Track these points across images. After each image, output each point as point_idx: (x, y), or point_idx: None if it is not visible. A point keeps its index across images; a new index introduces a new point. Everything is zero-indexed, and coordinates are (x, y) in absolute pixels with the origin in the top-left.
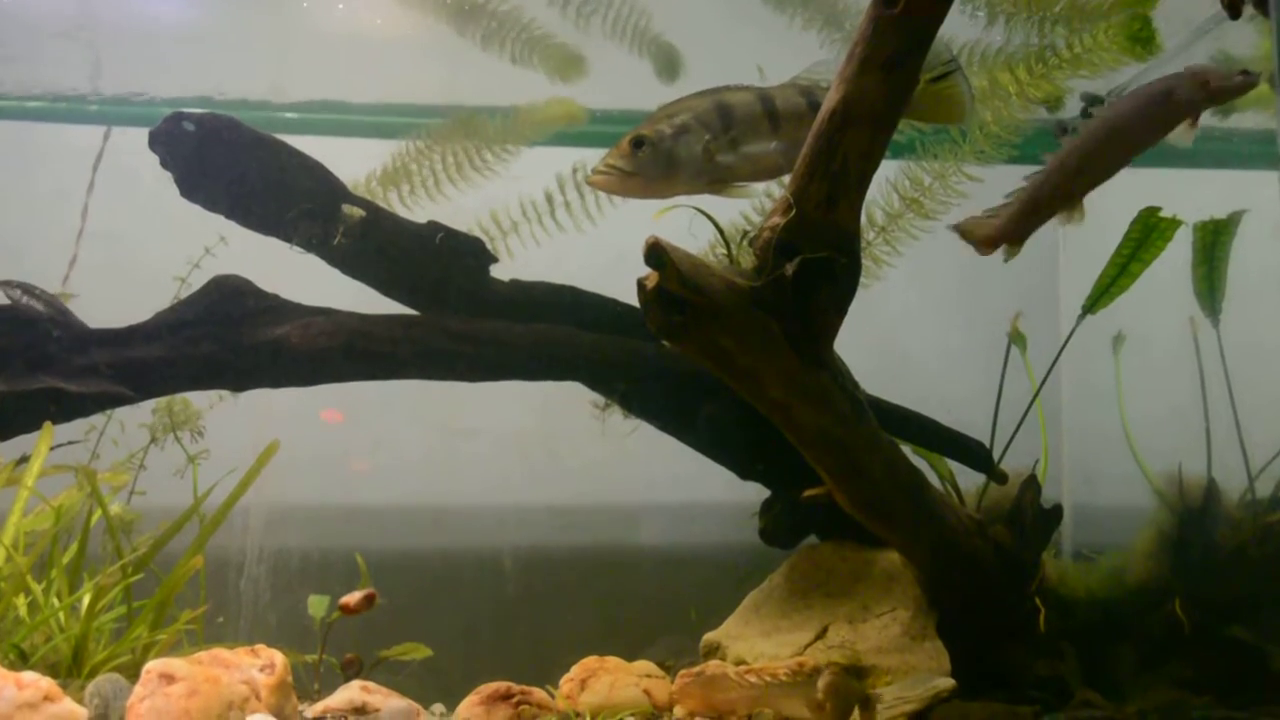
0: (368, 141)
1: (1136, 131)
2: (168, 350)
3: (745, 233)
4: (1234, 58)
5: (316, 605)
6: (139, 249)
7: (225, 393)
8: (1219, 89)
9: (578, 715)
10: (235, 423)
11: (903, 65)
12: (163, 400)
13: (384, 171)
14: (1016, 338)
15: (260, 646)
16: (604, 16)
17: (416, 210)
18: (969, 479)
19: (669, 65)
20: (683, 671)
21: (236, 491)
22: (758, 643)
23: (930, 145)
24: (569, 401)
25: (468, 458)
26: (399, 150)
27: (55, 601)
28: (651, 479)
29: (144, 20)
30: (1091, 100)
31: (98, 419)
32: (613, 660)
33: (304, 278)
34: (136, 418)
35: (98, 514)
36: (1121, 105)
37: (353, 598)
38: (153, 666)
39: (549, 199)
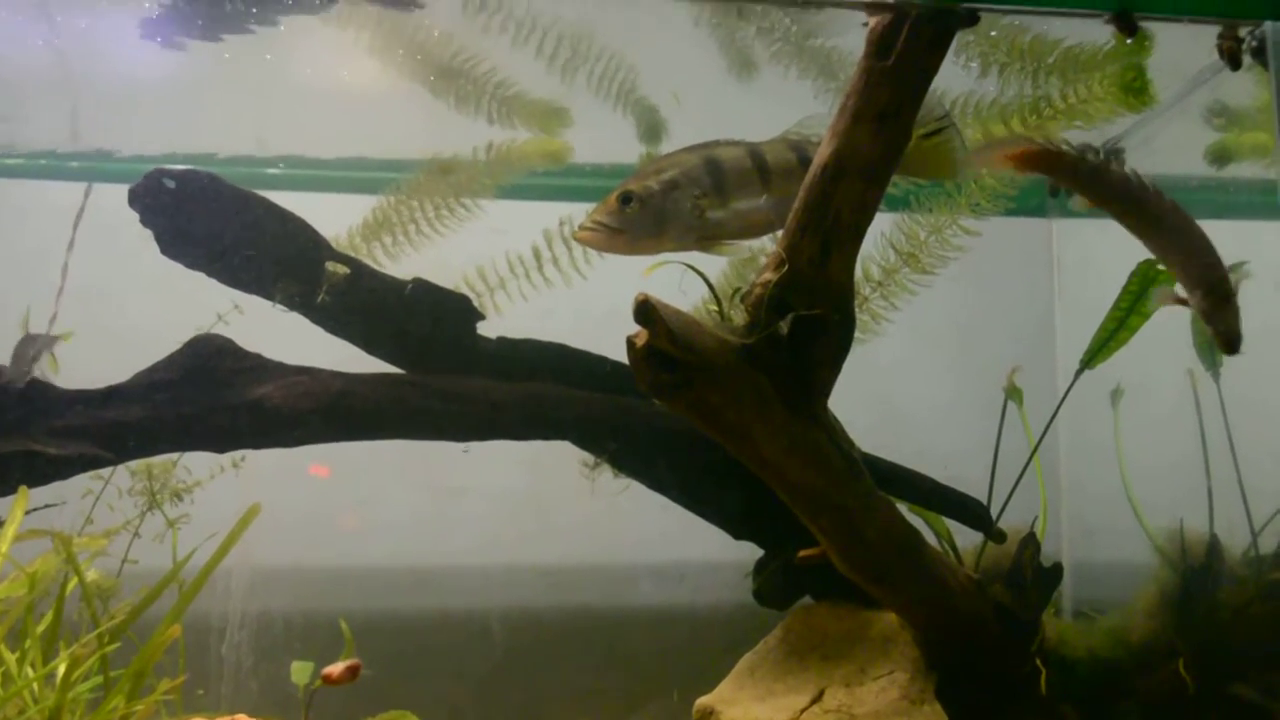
0: (351, 197)
1: None
2: (147, 411)
3: (737, 289)
4: (1231, 109)
5: (300, 672)
6: (121, 307)
7: (228, 461)
8: None
9: None
10: (219, 484)
11: (896, 117)
12: (142, 463)
13: (365, 225)
14: (1013, 392)
15: (241, 716)
16: (589, 72)
17: (400, 265)
18: (967, 537)
19: (651, 130)
20: None
21: (216, 556)
22: (753, 707)
23: (925, 199)
24: (558, 460)
25: (455, 517)
26: (379, 203)
27: (30, 671)
28: (642, 539)
29: (125, 76)
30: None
31: (94, 483)
32: None
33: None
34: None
35: (74, 581)
36: None
37: (335, 669)
38: None
39: (536, 254)
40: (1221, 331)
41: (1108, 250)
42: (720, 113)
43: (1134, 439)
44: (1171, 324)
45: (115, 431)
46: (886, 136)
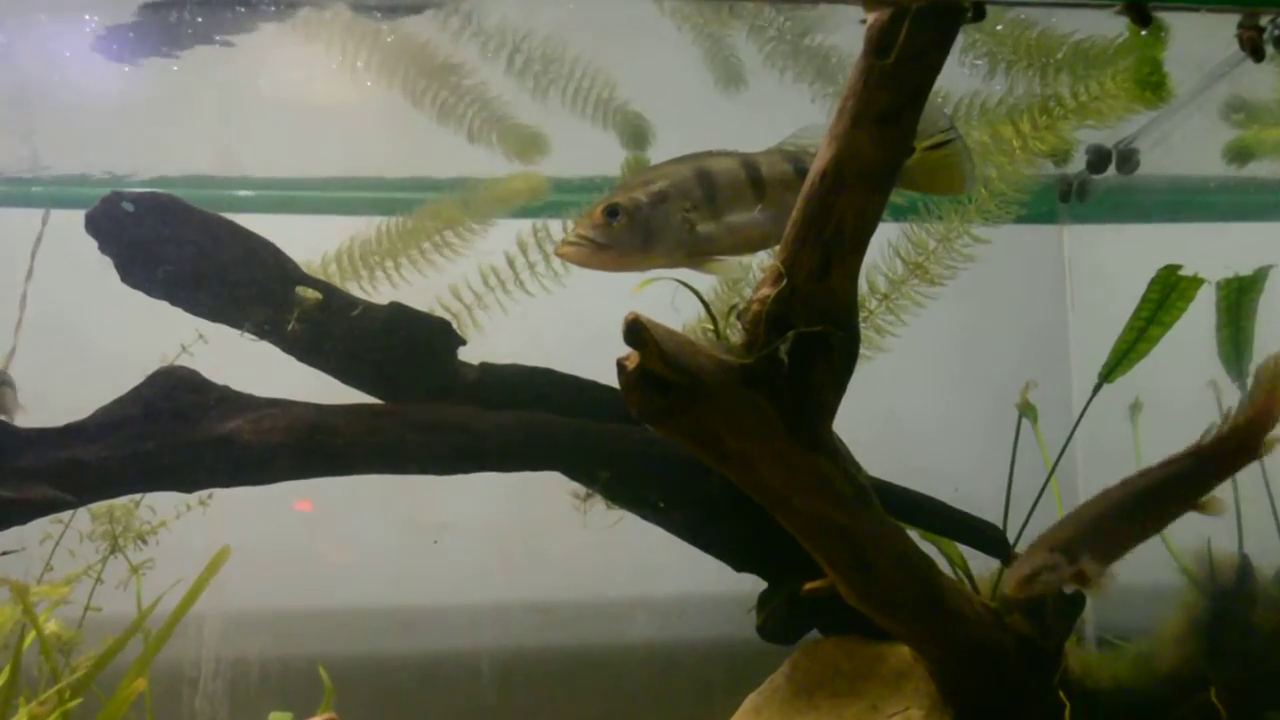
0: (323, 218)
1: None
2: (109, 450)
3: (733, 306)
4: (1251, 103)
5: None
6: (84, 339)
7: (194, 499)
8: None
9: None
10: (187, 524)
11: (898, 119)
12: (103, 504)
13: (340, 251)
14: (1026, 409)
15: None
16: (563, 88)
17: (376, 289)
18: (982, 563)
19: (637, 136)
20: None
21: (184, 602)
22: None
23: (934, 206)
24: (548, 491)
25: (440, 554)
26: (357, 232)
27: None
28: (639, 572)
29: (84, 96)
30: (1097, 154)
31: (55, 526)
32: None
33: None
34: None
35: (33, 634)
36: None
37: None
38: None
39: (511, 264)
40: None
41: (1123, 257)
42: (710, 123)
43: (1155, 454)
44: (1192, 333)
45: (74, 472)
46: (888, 140)
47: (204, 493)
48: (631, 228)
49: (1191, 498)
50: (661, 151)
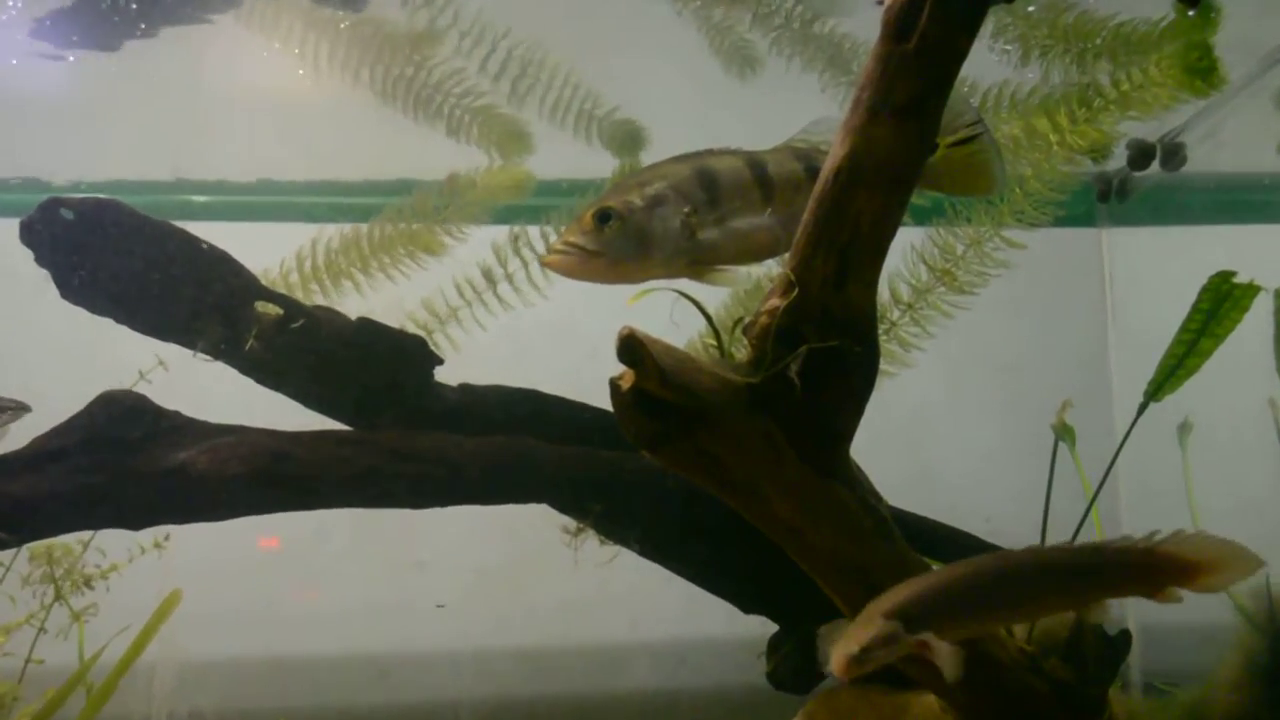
0: (284, 226)
1: None
2: (49, 483)
3: (739, 319)
4: None
5: None
6: (16, 360)
7: (148, 540)
8: None
9: None
10: (137, 565)
11: (920, 111)
12: (42, 545)
13: (300, 258)
14: (1064, 431)
15: None
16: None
17: (344, 304)
18: None
19: (630, 141)
20: None
21: (130, 652)
22: None
23: (961, 208)
24: (535, 526)
25: (417, 596)
26: (317, 236)
27: None
28: (636, 615)
29: (21, 96)
30: (1140, 150)
31: None
32: None
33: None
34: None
35: None
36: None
37: None
38: None
39: (487, 275)
40: None
41: (1168, 263)
42: (710, 120)
43: (1206, 480)
44: (1247, 346)
45: (11, 508)
46: (910, 135)
47: (160, 533)
48: (625, 234)
49: (1071, 601)
50: (656, 153)
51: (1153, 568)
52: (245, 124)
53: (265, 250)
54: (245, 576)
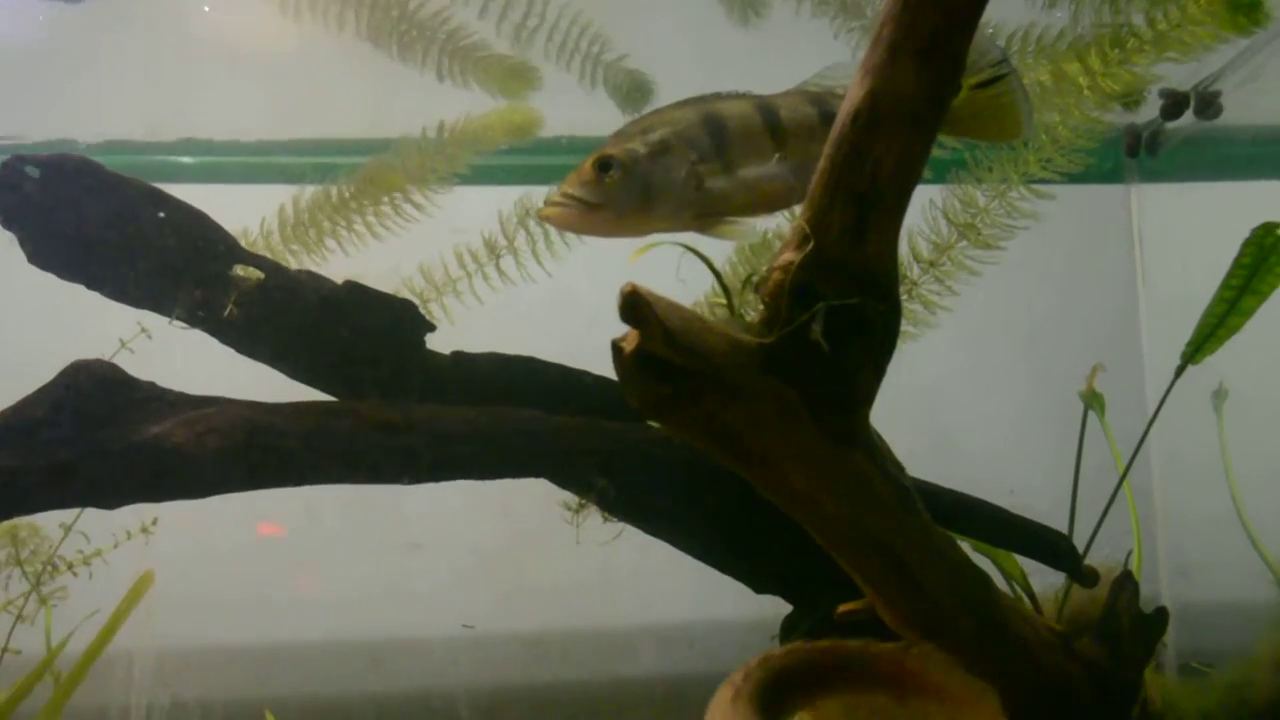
0: (267, 187)
1: None
2: (15, 460)
3: (750, 275)
4: None
5: None
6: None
7: (134, 520)
8: None
9: None
10: (124, 552)
11: (944, 49)
12: (6, 526)
13: (284, 220)
14: (1093, 398)
15: None
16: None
17: (329, 267)
18: (1045, 579)
19: (637, 90)
20: None
21: (100, 639)
22: None
23: (984, 158)
24: (535, 503)
25: (412, 578)
26: (308, 195)
27: None
28: (641, 597)
29: None
30: (1173, 98)
31: None
32: None
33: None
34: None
35: None
36: None
37: None
38: None
39: (489, 245)
40: None
41: (1201, 219)
42: (718, 64)
43: (1244, 450)
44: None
45: None
46: (933, 74)
47: (147, 518)
48: (628, 184)
49: None
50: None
51: None
52: (226, 76)
53: (246, 212)
54: (231, 560)
